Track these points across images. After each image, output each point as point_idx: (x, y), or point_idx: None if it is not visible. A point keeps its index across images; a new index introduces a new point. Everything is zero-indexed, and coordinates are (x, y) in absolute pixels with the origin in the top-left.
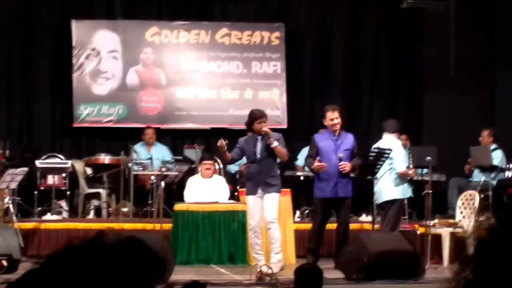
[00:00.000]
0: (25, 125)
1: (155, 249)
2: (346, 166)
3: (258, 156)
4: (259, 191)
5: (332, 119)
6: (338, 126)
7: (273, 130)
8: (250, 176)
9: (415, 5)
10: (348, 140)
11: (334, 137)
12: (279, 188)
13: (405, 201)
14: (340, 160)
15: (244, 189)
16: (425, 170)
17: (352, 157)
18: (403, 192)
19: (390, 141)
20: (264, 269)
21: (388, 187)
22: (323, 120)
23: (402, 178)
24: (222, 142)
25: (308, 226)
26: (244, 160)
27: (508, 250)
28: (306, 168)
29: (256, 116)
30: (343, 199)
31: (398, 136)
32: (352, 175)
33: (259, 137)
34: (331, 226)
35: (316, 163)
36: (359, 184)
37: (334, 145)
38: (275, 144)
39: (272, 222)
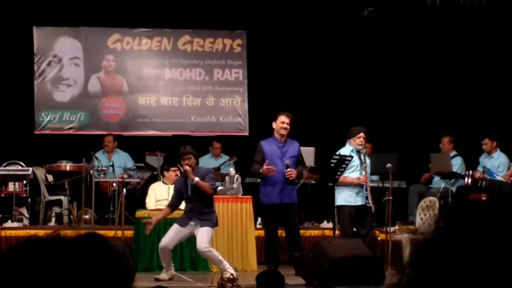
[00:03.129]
0: None
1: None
2: (292, 173)
3: (189, 194)
4: (190, 224)
5: (283, 122)
6: (286, 132)
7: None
8: (184, 211)
9: (376, 13)
10: (294, 147)
11: (280, 143)
12: (213, 223)
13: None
14: (287, 166)
15: None
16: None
17: (296, 164)
18: (348, 199)
19: (345, 148)
20: (226, 275)
21: (337, 194)
22: (273, 123)
23: (345, 185)
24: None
25: None
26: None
27: (441, 253)
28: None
29: (179, 153)
30: (289, 206)
31: (358, 138)
32: (301, 181)
33: None
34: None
35: (265, 166)
36: (320, 190)
37: (280, 151)
38: (196, 179)
39: (204, 251)
